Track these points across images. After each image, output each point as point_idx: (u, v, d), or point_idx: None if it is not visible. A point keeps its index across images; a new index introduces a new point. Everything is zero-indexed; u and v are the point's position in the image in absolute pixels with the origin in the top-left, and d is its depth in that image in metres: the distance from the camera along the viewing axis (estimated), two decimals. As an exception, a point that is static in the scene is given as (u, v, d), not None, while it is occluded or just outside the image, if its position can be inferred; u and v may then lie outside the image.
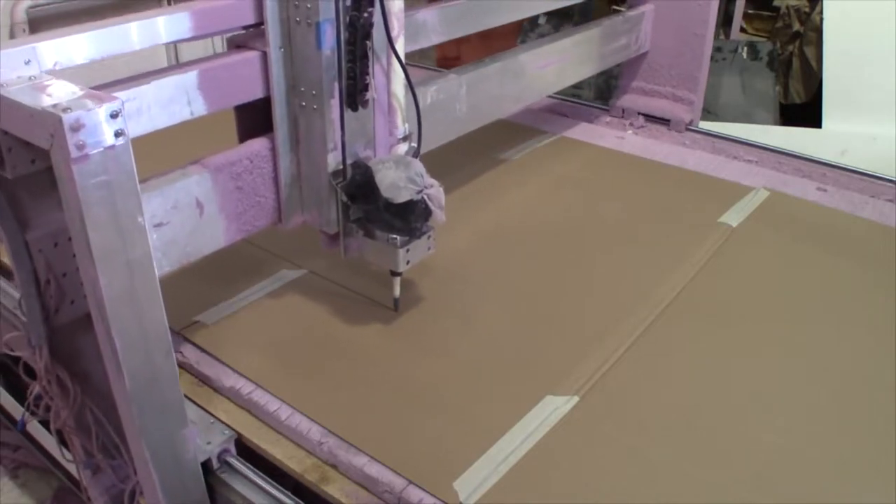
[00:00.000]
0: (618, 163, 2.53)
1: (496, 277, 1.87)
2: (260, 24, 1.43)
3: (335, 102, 1.48)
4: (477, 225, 2.11)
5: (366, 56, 1.45)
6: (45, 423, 1.49)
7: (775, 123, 3.57)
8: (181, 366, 1.60)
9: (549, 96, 2.90)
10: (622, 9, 3.70)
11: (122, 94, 1.21)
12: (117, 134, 0.99)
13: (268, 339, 1.66)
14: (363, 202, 1.54)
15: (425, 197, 1.54)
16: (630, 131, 2.77)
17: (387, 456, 1.34)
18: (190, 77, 1.36)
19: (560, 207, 2.23)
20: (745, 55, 3.66)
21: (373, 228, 1.58)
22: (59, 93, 1.02)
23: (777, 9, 4.12)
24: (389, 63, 1.54)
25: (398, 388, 1.52)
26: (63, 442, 1.42)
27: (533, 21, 4.08)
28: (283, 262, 1.93)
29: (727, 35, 4.16)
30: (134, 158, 1.03)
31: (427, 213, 1.56)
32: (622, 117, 2.84)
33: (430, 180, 1.56)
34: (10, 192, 1.17)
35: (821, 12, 3.56)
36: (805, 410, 1.48)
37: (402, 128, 1.64)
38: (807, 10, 3.90)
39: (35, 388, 1.34)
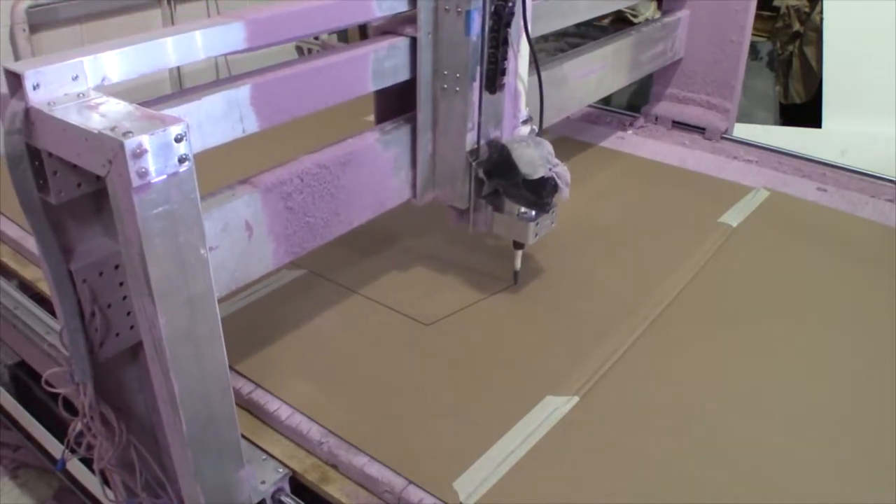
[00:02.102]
0: (618, 162, 2.53)
1: (495, 279, 1.87)
2: (411, 10, 1.52)
3: (476, 85, 1.57)
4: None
5: (506, 42, 1.54)
6: (85, 461, 1.42)
7: (775, 123, 3.57)
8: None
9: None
10: (627, 11, 3.70)
11: (178, 110, 1.16)
12: (181, 160, 0.90)
13: (267, 338, 1.66)
14: (499, 178, 1.63)
15: (555, 174, 1.64)
16: (630, 131, 2.77)
17: (387, 456, 1.34)
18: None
19: (559, 207, 2.22)
20: (744, 55, 3.65)
21: (503, 203, 1.69)
22: (113, 112, 0.93)
23: (777, 9, 4.11)
24: (518, 49, 1.61)
25: (398, 388, 1.52)
26: (105, 481, 1.34)
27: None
28: (284, 263, 1.93)
29: (727, 35, 4.15)
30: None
31: (555, 188, 1.65)
32: (656, 125, 2.79)
33: (556, 159, 1.66)
34: (54, 218, 1.05)
35: (821, 12, 3.56)
36: (805, 410, 1.48)
37: (524, 111, 1.73)
38: (807, 10, 3.89)
39: (77, 426, 1.23)
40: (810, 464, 1.35)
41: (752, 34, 4.35)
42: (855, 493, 1.30)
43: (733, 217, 2.15)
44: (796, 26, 3.93)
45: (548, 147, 1.66)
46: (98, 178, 0.91)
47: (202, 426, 1.06)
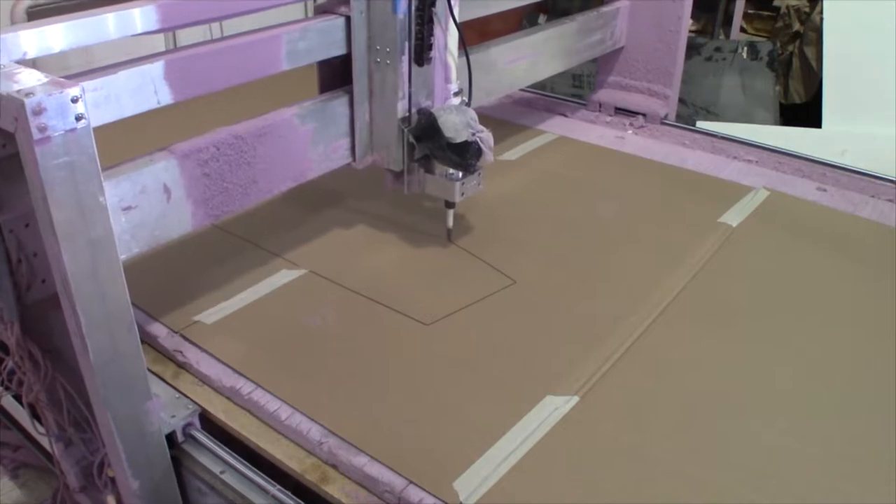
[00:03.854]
0: (618, 162, 2.53)
1: (496, 278, 1.87)
2: None
3: (405, 59, 1.75)
4: (475, 225, 2.11)
5: (431, 21, 1.72)
6: (18, 398, 1.53)
7: (775, 123, 3.57)
8: (182, 366, 1.60)
9: (530, 91, 3.00)
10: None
11: (96, 82, 1.29)
12: (78, 118, 1.05)
13: (268, 338, 1.66)
14: (427, 142, 1.81)
15: (478, 139, 1.80)
16: (630, 131, 2.77)
17: (387, 456, 1.34)
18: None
19: (560, 207, 2.23)
20: (745, 55, 3.65)
21: (433, 166, 1.88)
22: (27, 80, 1.06)
23: (777, 9, 4.11)
24: (447, 27, 1.79)
25: (398, 388, 1.52)
26: (36, 416, 1.48)
27: (532, 20, 4.09)
28: (283, 262, 1.93)
29: (727, 35, 4.15)
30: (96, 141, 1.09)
31: (479, 152, 1.82)
32: (599, 111, 2.90)
33: (481, 126, 1.82)
34: None
35: (821, 12, 3.56)
36: (805, 410, 1.48)
37: (455, 84, 1.89)
38: (807, 10, 3.89)
39: (8, 363, 1.39)
40: (810, 463, 1.35)
41: (752, 34, 4.36)
42: (855, 492, 1.30)
43: (733, 217, 2.15)
44: (796, 26, 3.94)
45: (471, 114, 1.81)
46: None
47: (108, 357, 1.20)
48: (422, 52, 1.74)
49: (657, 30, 2.68)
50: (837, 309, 1.78)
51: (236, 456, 1.41)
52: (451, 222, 1.99)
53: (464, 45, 1.85)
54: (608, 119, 2.85)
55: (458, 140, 1.77)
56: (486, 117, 2.85)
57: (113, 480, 1.39)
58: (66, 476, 1.48)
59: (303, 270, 1.90)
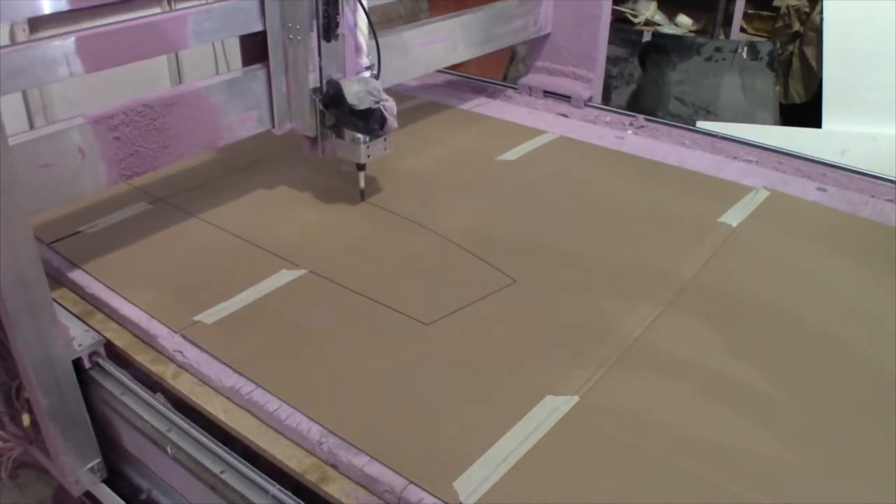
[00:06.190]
0: (618, 162, 2.53)
1: (496, 278, 1.87)
2: None
3: (314, 35, 1.96)
4: (476, 226, 2.11)
5: (336, 1, 1.93)
6: None
7: (775, 123, 3.58)
8: (182, 366, 1.60)
9: (450, 72, 3.21)
10: (627, 11, 3.71)
11: (17, 55, 1.50)
12: None
13: (268, 338, 1.66)
14: (335, 109, 2.01)
15: (382, 107, 1.99)
16: (630, 131, 2.77)
17: (387, 456, 1.34)
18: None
19: (560, 207, 2.23)
20: (745, 55, 3.66)
21: (342, 131, 2.08)
22: None
23: (777, 9, 4.12)
24: (355, 8, 1.99)
25: (398, 388, 1.52)
26: None
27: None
28: (283, 262, 1.93)
29: (727, 35, 4.16)
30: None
31: (383, 119, 2.00)
32: (530, 95, 3.02)
33: (385, 96, 2.01)
34: None
35: (821, 12, 3.57)
36: (805, 410, 1.48)
37: (366, 60, 2.08)
38: (807, 10, 3.90)
39: None
40: (810, 464, 1.35)
41: (752, 34, 4.36)
42: (855, 493, 1.30)
43: (733, 217, 2.15)
44: (796, 26, 3.94)
45: (374, 84, 2.00)
46: None
47: (15, 285, 1.34)
48: (328, 30, 1.93)
49: (580, 16, 2.82)
50: (837, 309, 1.77)
51: (141, 385, 1.54)
52: (363, 183, 2.17)
53: (371, 25, 2.05)
54: (608, 119, 2.85)
55: (361, 107, 1.96)
56: (486, 117, 2.87)
57: (28, 402, 1.52)
58: None
59: (303, 270, 1.90)
